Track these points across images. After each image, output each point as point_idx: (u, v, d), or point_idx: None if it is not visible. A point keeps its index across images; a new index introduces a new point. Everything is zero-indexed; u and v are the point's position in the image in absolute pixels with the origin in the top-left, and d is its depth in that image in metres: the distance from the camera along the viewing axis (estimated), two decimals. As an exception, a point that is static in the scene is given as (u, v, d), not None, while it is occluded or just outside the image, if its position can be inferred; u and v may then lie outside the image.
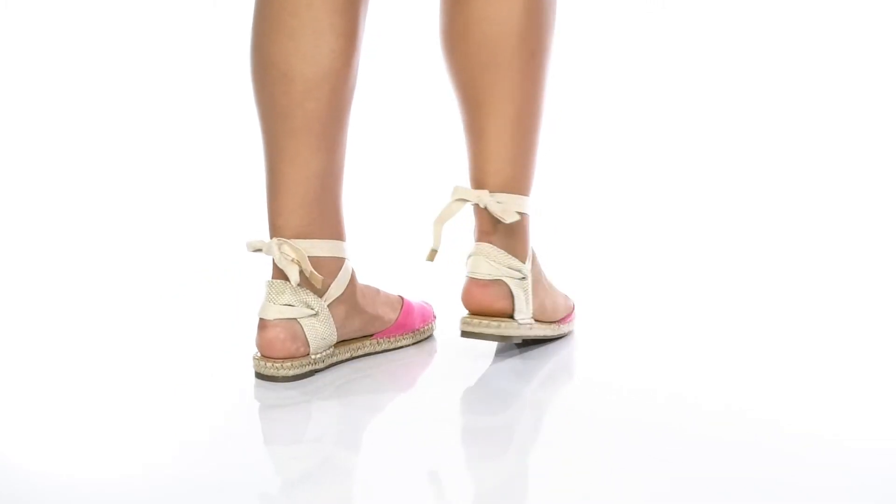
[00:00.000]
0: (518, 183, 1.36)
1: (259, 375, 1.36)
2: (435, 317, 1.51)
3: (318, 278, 1.33)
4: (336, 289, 1.37)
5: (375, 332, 1.43)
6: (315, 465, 1.17)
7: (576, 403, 1.32)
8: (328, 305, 1.37)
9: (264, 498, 1.09)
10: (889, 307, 1.72)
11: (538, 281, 1.41)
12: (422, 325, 1.48)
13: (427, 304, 1.52)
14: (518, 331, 1.37)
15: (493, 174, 1.36)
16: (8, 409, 1.33)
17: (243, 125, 2.59)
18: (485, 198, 1.36)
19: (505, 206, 1.35)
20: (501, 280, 1.37)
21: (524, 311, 1.37)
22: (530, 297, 1.38)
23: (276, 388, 1.35)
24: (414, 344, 1.48)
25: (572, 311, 1.49)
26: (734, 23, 2.77)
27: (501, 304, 1.37)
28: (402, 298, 1.48)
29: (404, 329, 1.46)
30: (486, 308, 1.37)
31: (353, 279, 1.40)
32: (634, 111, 2.72)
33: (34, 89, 2.70)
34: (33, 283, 1.86)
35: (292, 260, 1.32)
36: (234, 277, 1.88)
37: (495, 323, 1.36)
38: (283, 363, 1.35)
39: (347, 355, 1.42)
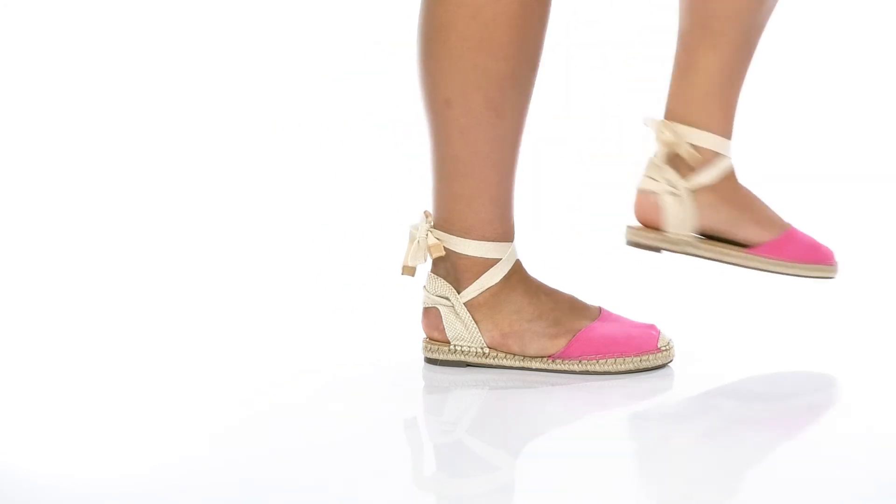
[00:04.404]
0: (451, 225, 1.39)
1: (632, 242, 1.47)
2: None
3: (696, 158, 1.43)
4: (706, 176, 1.44)
5: (747, 242, 1.46)
6: (319, 466, 1.17)
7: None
8: (694, 191, 1.44)
9: (265, 499, 1.09)
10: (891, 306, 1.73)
11: (497, 310, 1.41)
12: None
13: None
14: (445, 355, 1.42)
15: (433, 210, 1.42)
16: (9, 410, 1.33)
17: (244, 125, 2.60)
18: (421, 231, 1.40)
19: (436, 244, 1.39)
20: (435, 308, 1.42)
21: (460, 337, 1.41)
22: (469, 323, 1.40)
23: (274, 391, 1.36)
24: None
25: (560, 352, 1.45)
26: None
27: (435, 331, 1.43)
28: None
29: (778, 253, 1.47)
30: (427, 334, 1.44)
31: (731, 175, 1.46)
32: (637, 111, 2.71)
33: (34, 89, 2.70)
34: (34, 284, 1.86)
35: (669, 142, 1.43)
36: (236, 277, 1.88)
37: (434, 346, 1.43)
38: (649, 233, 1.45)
39: (714, 255, 1.45)
